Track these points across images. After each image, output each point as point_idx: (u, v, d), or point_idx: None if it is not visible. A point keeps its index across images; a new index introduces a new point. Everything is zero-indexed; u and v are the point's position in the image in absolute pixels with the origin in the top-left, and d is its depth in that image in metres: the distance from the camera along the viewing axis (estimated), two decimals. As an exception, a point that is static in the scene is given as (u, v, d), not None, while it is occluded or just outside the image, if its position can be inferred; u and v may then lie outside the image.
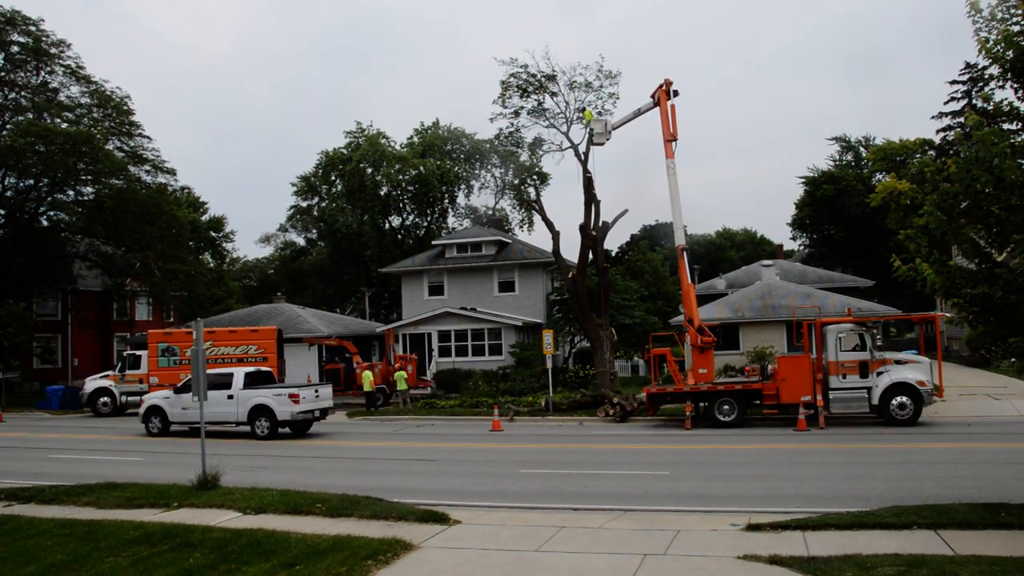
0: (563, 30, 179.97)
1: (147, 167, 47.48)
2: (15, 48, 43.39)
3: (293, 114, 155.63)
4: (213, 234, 72.82)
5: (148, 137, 47.44)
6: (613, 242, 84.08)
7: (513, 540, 11.23)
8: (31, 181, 44.61)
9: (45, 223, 48.05)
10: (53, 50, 44.26)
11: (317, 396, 25.99)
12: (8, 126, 43.40)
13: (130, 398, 35.07)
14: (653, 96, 28.19)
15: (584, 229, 33.22)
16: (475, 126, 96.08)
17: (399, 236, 67.85)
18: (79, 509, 13.93)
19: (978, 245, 11.27)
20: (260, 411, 25.14)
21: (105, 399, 35.37)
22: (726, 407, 24.60)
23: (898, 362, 23.66)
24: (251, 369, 27.60)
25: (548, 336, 31.70)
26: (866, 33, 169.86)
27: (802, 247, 79.71)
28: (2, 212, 45.28)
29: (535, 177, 64.81)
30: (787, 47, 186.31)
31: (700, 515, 12.69)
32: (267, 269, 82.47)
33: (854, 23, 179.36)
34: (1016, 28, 10.49)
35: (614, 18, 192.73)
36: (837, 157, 76.41)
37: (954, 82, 55.47)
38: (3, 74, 44.03)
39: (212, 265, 71.83)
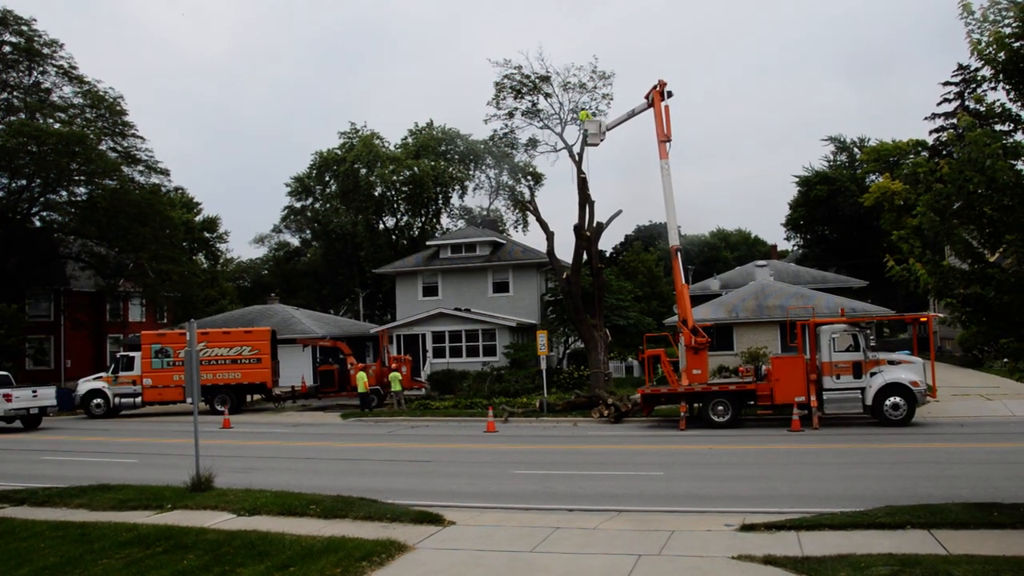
0: (562, 31, 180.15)
1: (140, 167, 47.41)
2: (7, 48, 43.29)
3: (288, 115, 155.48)
4: (207, 235, 72.72)
5: (141, 137, 47.42)
6: (607, 242, 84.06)
7: (508, 541, 11.22)
8: (23, 181, 44.43)
9: (38, 224, 47.93)
10: (45, 50, 44.17)
11: (35, 396, 30.15)
12: (0, 126, 43.25)
13: (123, 400, 35.04)
14: (647, 97, 28.19)
15: (578, 230, 33.22)
16: (470, 127, 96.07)
17: (393, 237, 67.80)
18: (72, 511, 13.89)
19: (971, 245, 11.30)
20: None
21: (98, 401, 35.26)
22: (720, 408, 24.63)
23: (891, 362, 23.71)
24: None
25: (542, 337, 31.71)
26: (865, 34, 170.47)
27: (796, 248, 79.92)
28: (-5, 213, 45.13)
29: (529, 178, 64.88)
30: (786, 48, 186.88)
31: (695, 515, 12.71)
32: (261, 270, 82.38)
33: (853, 24, 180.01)
34: (1008, 30, 10.52)
35: (613, 19, 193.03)
36: (832, 158, 76.60)
37: (947, 83, 55.60)
38: (-5, 74, 43.93)
39: (206, 266, 71.74)
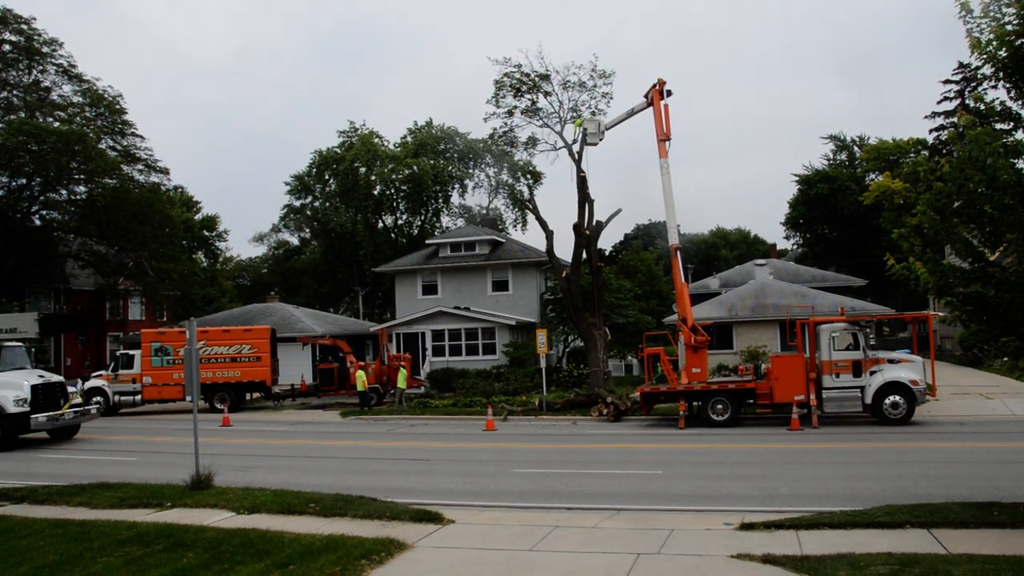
0: (562, 30, 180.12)
1: (140, 166, 47.40)
2: (7, 47, 43.28)
3: (288, 114, 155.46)
4: (206, 233, 72.72)
5: (141, 136, 47.43)
6: (607, 241, 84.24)
7: (507, 540, 11.22)
8: (23, 180, 44.45)
9: (37, 222, 47.95)
10: (45, 49, 44.15)
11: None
12: (0, 125, 43.25)
13: (123, 398, 35.02)
14: (646, 96, 28.20)
15: (578, 228, 33.21)
16: (469, 126, 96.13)
17: (392, 235, 67.79)
18: (72, 509, 13.88)
19: (971, 244, 11.29)
20: None
21: (98, 399, 35.14)
22: (719, 406, 24.62)
23: (891, 361, 23.67)
24: None
25: (542, 335, 31.68)
26: (865, 33, 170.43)
27: (795, 246, 79.84)
28: (-6, 211, 45.14)
29: (528, 176, 64.85)
30: (786, 47, 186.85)
31: (694, 514, 12.71)
32: (260, 268, 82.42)
33: (853, 23, 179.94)
34: (1009, 27, 10.50)
35: (613, 19, 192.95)
36: (831, 156, 76.58)
37: (947, 82, 55.63)
38: (-5, 73, 43.91)
39: (205, 264, 71.74)
